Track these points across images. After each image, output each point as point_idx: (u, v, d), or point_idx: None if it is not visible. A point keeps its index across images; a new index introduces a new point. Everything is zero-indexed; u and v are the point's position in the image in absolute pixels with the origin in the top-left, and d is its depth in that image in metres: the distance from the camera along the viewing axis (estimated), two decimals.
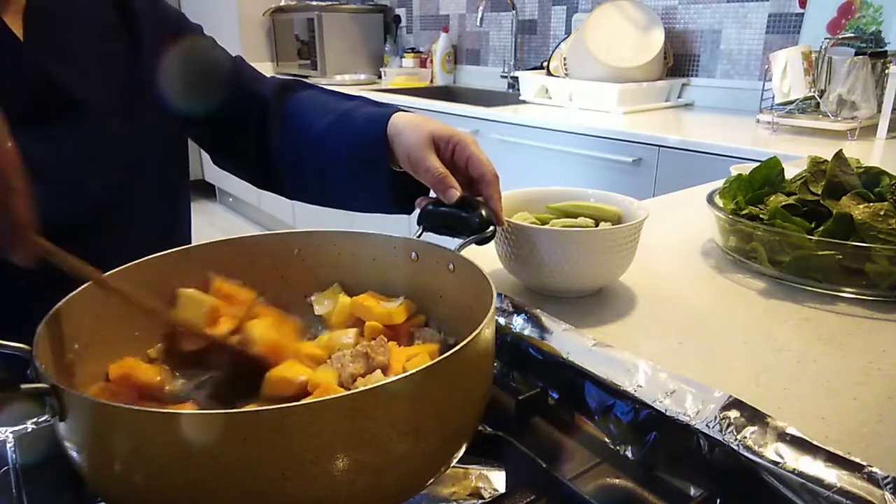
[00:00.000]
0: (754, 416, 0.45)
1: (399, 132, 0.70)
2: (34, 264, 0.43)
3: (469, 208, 0.61)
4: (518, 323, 0.61)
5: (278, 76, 0.92)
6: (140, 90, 0.80)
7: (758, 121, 1.86)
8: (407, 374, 0.36)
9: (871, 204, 0.73)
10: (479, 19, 2.81)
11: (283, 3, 3.61)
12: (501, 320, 0.62)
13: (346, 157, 0.77)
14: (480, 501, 0.47)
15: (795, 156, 1.42)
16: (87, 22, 0.77)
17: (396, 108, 0.75)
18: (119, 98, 0.78)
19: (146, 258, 0.53)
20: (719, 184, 0.90)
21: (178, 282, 0.53)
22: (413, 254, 0.59)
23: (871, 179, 0.80)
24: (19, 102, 0.68)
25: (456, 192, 0.62)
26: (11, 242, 0.42)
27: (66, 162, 0.72)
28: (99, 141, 0.76)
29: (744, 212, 0.81)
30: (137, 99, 0.80)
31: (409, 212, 0.77)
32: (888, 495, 0.38)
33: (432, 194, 0.66)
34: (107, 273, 0.49)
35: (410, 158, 0.67)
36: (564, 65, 2.36)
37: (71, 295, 0.46)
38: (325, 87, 0.90)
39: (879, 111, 1.68)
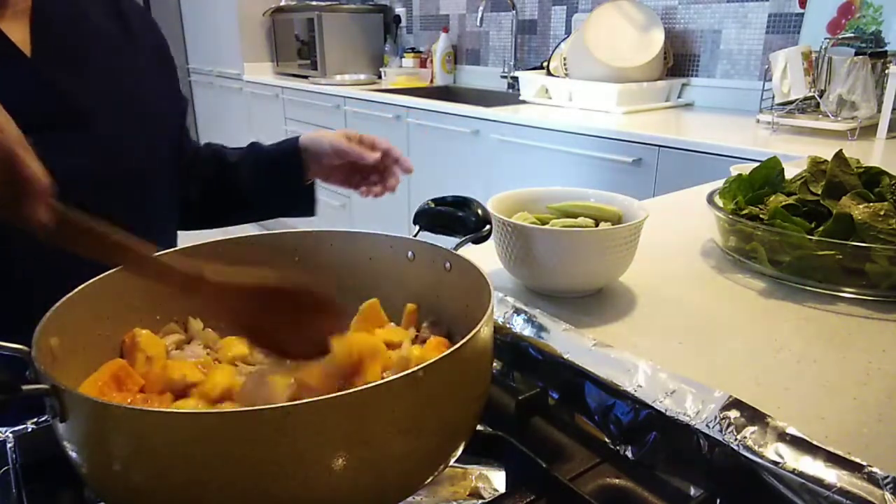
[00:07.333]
0: (754, 416, 0.45)
1: (310, 142, 0.92)
2: (53, 236, 0.41)
3: (465, 208, 0.62)
4: (517, 323, 0.61)
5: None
6: (141, 99, 0.85)
7: (758, 121, 1.86)
8: (406, 372, 0.37)
9: (871, 204, 0.73)
10: (479, 19, 2.81)
11: (283, 3, 3.60)
12: (500, 320, 0.62)
13: (265, 173, 0.96)
14: (480, 501, 0.47)
15: (795, 156, 1.42)
16: (92, 35, 0.81)
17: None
18: (123, 107, 0.83)
19: None
20: (719, 184, 0.90)
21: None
22: (410, 253, 0.59)
23: (871, 179, 0.80)
24: (27, 114, 0.70)
25: (374, 154, 0.89)
26: (30, 206, 0.40)
27: (77, 169, 0.74)
28: (108, 149, 0.79)
29: (744, 212, 0.81)
30: (139, 107, 0.85)
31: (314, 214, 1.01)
32: (888, 495, 0.38)
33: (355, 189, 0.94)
34: (99, 277, 0.49)
35: (333, 146, 0.90)
36: (564, 65, 2.36)
37: (69, 295, 0.46)
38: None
39: (879, 111, 1.68)
